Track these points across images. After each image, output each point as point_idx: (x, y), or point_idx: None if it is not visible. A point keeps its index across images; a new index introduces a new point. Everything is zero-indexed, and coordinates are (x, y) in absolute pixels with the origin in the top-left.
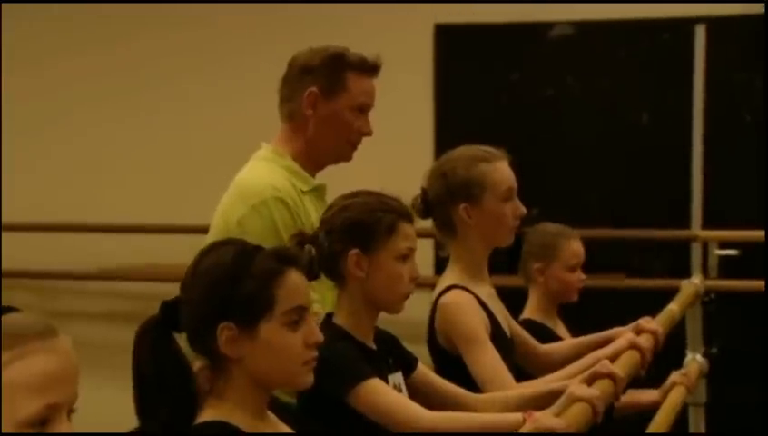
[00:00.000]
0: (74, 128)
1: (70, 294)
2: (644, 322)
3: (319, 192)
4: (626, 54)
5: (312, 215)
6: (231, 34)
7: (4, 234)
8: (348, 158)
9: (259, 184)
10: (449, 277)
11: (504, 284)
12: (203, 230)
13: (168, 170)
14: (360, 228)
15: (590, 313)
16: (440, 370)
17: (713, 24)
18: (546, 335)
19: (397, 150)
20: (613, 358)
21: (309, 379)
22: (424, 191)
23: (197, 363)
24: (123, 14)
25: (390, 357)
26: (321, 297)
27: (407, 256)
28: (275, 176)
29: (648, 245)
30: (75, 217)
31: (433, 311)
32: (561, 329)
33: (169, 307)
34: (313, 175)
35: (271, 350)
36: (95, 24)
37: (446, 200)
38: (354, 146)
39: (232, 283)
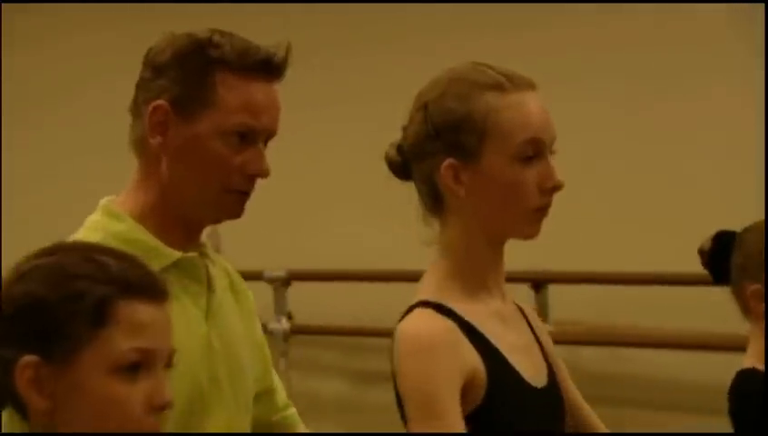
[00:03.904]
0: None
1: None
2: None
3: (188, 266)
4: None
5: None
6: None
7: None
8: (231, 213)
9: None
10: (427, 283)
11: None
12: None
13: None
14: (37, 318)
15: None
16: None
17: None
18: None
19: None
20: None
21: None
22: (404, 131)
23: None
24: None
25: None
26: None
27: (138, 365)
28: None
29: None
30: None
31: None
32: None
33: None
34: (190, 239)
35: None
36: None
37: (426, 150)
38: (240, 194)
39: None
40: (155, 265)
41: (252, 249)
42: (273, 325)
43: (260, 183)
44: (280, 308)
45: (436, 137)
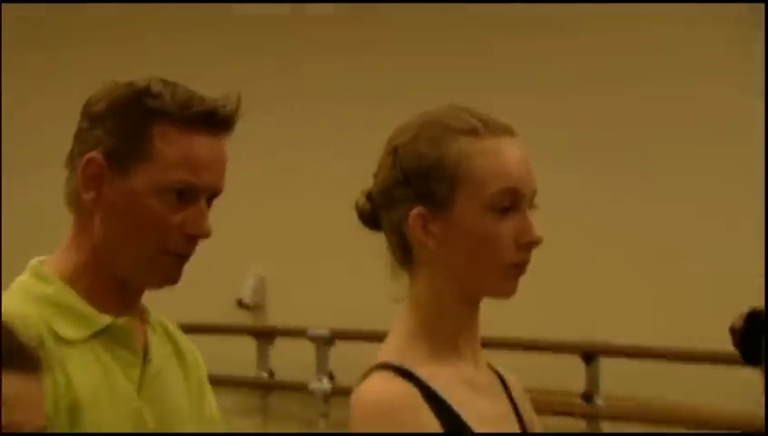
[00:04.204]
0: None
1: None
2: None
3: (119, 333)
4: None
5: (94, 371)
6: None
7: None
8: (168, 277)
9: None
10: (390, 342)
11: None
12: None
13: None
14: None
15: None
16: None
17: None
18: None
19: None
20: None
21: None
22: (375, 178)
23: None
24: None
25: None
26: None
27: None
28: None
29: None
30: None
31: None
32: None
33: None
34: (126, 303)
35: None
36: None
37: (395, 197)
38: (177, 257)
39: None
40: (83, 331)
41: (296, 307)
42: (314, 385)
43: (307, 241)
44: (322, 367)
45: (405, 183)
